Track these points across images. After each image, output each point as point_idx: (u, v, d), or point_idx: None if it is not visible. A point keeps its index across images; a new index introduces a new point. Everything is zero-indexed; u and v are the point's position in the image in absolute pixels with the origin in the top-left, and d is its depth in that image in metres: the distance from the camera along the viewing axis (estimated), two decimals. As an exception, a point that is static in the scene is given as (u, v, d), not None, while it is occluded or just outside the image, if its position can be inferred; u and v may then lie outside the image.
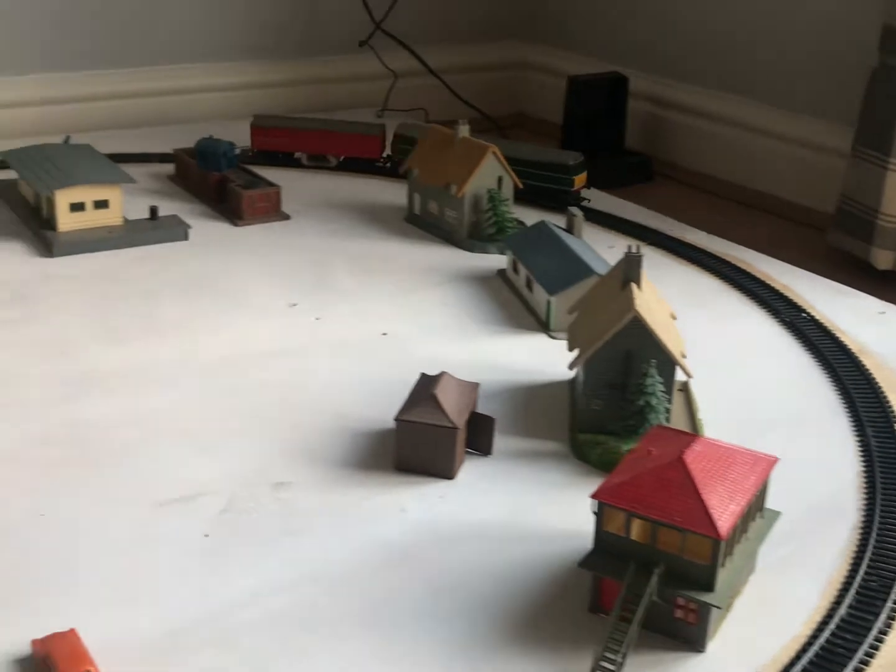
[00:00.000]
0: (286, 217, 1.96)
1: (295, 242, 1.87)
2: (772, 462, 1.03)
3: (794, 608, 1.03)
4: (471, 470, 1.22)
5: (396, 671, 0.94)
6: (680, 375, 1.25)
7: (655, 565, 0.95)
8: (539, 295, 1.57)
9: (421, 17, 2.72)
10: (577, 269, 1.53)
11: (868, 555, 1.09)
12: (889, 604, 1.02)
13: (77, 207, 1.77)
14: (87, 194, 1.78)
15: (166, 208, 1.90)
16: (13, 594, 1.00)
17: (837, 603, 1.02)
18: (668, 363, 1.22)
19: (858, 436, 1.32)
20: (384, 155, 2.23)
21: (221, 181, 1.98)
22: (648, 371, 1.19)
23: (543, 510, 1.16)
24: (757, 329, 1.62)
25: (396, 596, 1.03)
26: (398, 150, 2.20)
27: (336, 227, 1.95)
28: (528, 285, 1.62)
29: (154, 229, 1.83)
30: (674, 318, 1.35)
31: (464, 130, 1.86)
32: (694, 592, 0.94)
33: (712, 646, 0.98)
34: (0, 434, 1.24)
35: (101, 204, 1.79)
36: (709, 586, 0.94)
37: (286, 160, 2.21)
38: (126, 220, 1.82)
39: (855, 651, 0.96)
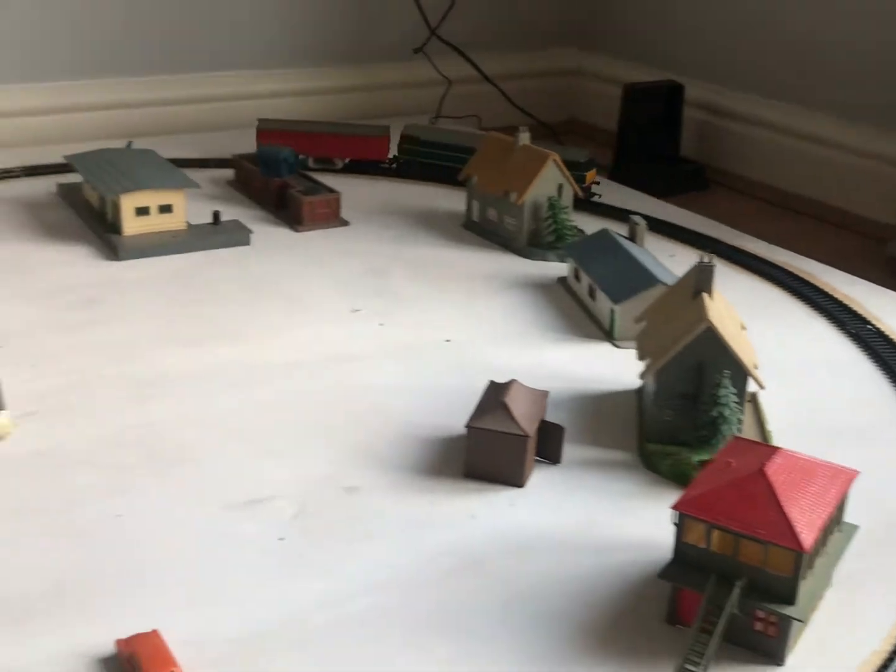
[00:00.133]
0: (345, 223, 1.97)
1: (355, 248, 1.88)
2: (852, 475, 1.02)
3: (872, 623, 1.02)
4: (540, 478, 1.22)
5: (475, 678, 0.95)
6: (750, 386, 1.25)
7: (737, 577, 0.94)
8: (602, 303, 1.57)
9: (474, 24, 2.73)
10: (641, 277, 1.52)
11: (947, 571, 1.08)
12: (970, 621, 1.01)
13: (142, 212, 1.79)
14: (152, 199, 1.80)
15: (227, 213, 1.92)
16: (94, 594, 1.01)
17: (917, 619, 1.01)
18: (740, 374, 1.21)
19: (931, 450, 1.30)
20: (391, 156, 2.25)
21: (282, 187, 2.00)
22: (722, 382, 1.19)
23: (614, 520, 1.16)
24: (822, 340, 1.61)
25: (470, 603, 1.03)
26: (405, 150, 2.22)
27: (394, 234, 1.96)
28: (591, 293, 1.62)
29: (217, 234, 1.84)
30: (743, 328, 1.34)
31: (524, 138, 1.87)
32: (775, 605, 0.94)
33: (791, 659, 0.97)
34: (76, 435, 1.26)
35: (166, 208, 1.81)
36: (790, 599, 0.94)
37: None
38: (189, 225, 1.84)
39: (938, 668, 0.95)
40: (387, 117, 2.52)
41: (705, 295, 1.25)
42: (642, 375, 1.26)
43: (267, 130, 2.21)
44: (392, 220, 2.02)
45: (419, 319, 1.61)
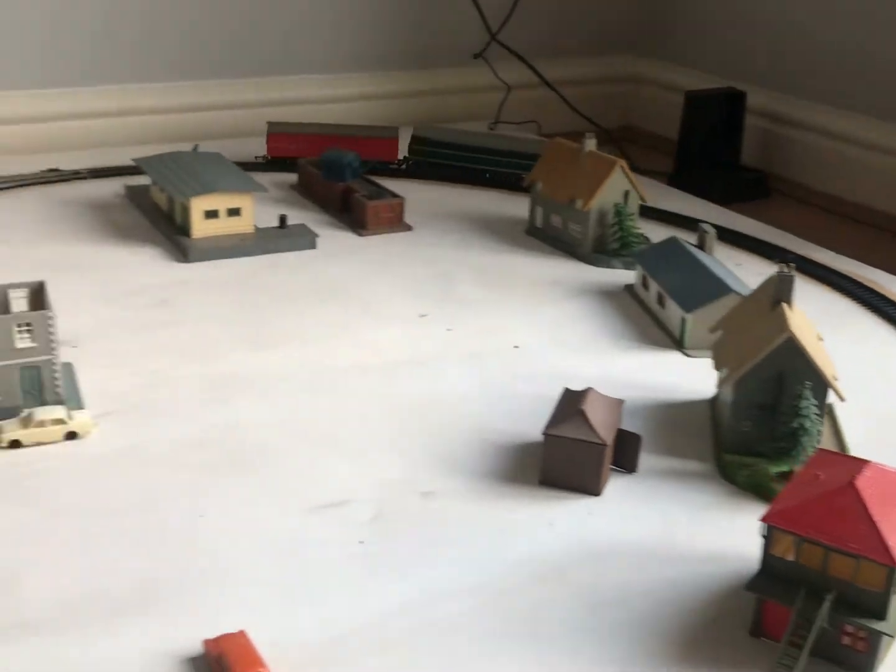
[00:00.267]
0: (408, 228, 1.98)
1: (419, 253, 1.89)
2: (941, 490, 1.01)
3: (959, 641, 1.01)
4: (616, 487, 1.22)
5: (560, 686, 0.95)
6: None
7: (826, 591, 0.93)
8: (672, 312, 1.57)
9: (533, 30, 2.73)
10: (713, 286, 1.52)
11: None
12: None
13: (211, 215, 1.81)
14: (221, 202, 1.82)
15: (291, 217, 1.93)
16: (180, 593, 1.02)
17: None
18: (821, 385, 1.20)
19: None
20: (400, 157, 2.26)
21: (346, 191, 2.01)
22: (804, 393, 1.18)
23: (692, 530, 1.15)
24: (893, 350, 1.59)
25: (552, 611, 1.03)
26: (415, 151, 2.24)
27: (457, 239, 1.96)
28: (660, 301, 1.61)
29: (283, 237, 1.86)
30: (820, 339, 1.33)
31: (590, 144, 1.86)
32: (865, 620, 0.93)
33: (879, 675, 0.96)
34: (157, 435, 1.28)
35: (234, 212, 1.83)
36: (880, 614, 0.93)
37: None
38: (256, 228, 1.86)
39: None
40: (446, 122, 2.53)
41: (785, 305, 1.24)
42: (720, 385, 1.25)
43: (276, 134, 2.22)
44: (454, 225, 2.02)
45: (486, 325, 1.61)
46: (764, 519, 0.96)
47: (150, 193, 1.99)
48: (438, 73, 2.68)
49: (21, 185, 2.08)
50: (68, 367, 1.37)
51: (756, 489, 1.20)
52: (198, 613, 1.00)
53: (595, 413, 1.20)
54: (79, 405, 1.30)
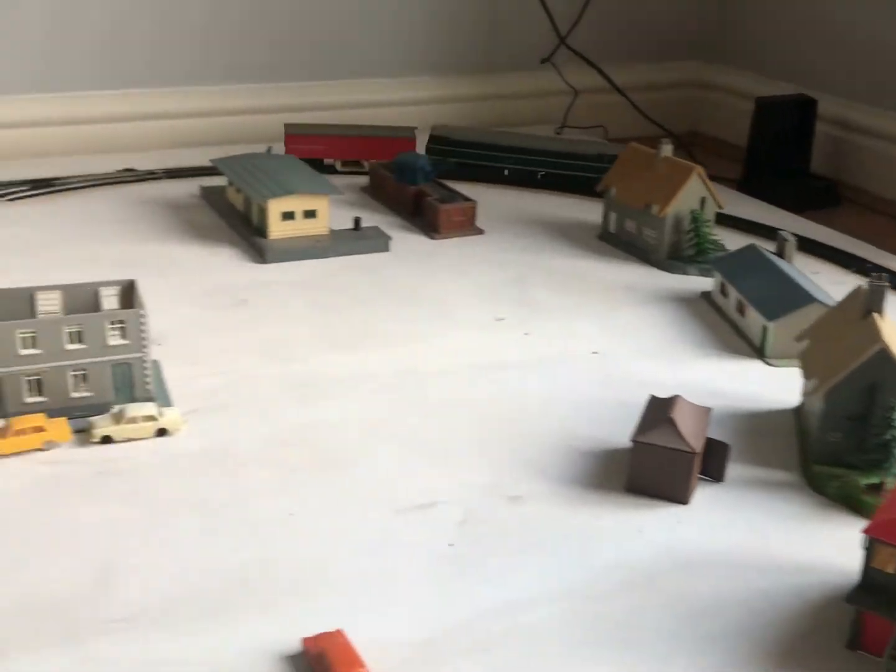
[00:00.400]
0: (480, 231, 1.99)
1: (491, 257, 1.89)
2: None
3: None
4: (704, 496, 1.21)
5: (656, 695, 0.94)
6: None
7: (930, 606, 0.92)
8: (753, 320, 1.55)
9: (600, 35, 2.72)
10: (796, 295, 1.50)
11: None
12: None
13: (288, 216, 1.83)
14: (297, 204, 1.83)
15: (363, 220, 1.94)
16: (275, 592, 1.03)
17: None
18: (914, 397, 1.19)
19: None
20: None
21: (418, 195, 2.02)
22: (896, 404, 1.17)
23: (783, 540, 1.15)
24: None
25: (644, 618, 1.03)
26: (433, 151, 2.25)
27: (529, 243, 1.96)
28: (740, 309, 1.60)
29: (358, 240, 1.87)
30: (910, 350, 1.32)
31: (666, 150, 1.86)
32: (970, 637, 0.91)
33: (982, 693, 0.95)
34: (244, 434, 1.29)
35: (310, 214, 1.85)
36: (985, 631, 0.92)
37: (319, 166, 2.17)
38: (331, 230, 1.87)
39: None
40: (512, 126, 2.53)
41: (876, 315, 1.22)
42: (807, 395, 1.24)
43: (294, 135, 2.23)
44: (525, 230, 2.03)
45: (563, 330, 1.61)
46: (865, 531, 0.95)
47: (226, 194, 2.02)
48: (507, 78, 2.68)
49: (98, 185, 2.12)
50: (155, 365, 1.39)
51: (846, 500, 1.18)
52: (293, 612, 1.01)
53: (684, 421, 1.19)
54: (167, 402, 1.32)
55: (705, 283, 1.76)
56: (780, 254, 1.67)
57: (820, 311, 1.43)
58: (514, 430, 1.34)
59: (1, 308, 1.29)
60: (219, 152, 2.16)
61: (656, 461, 1.18)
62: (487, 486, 1.22)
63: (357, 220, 1.90)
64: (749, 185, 2.41)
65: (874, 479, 1.19)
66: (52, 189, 2.07)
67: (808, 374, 1.27)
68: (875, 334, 1.19)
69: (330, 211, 1.89)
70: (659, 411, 1.22)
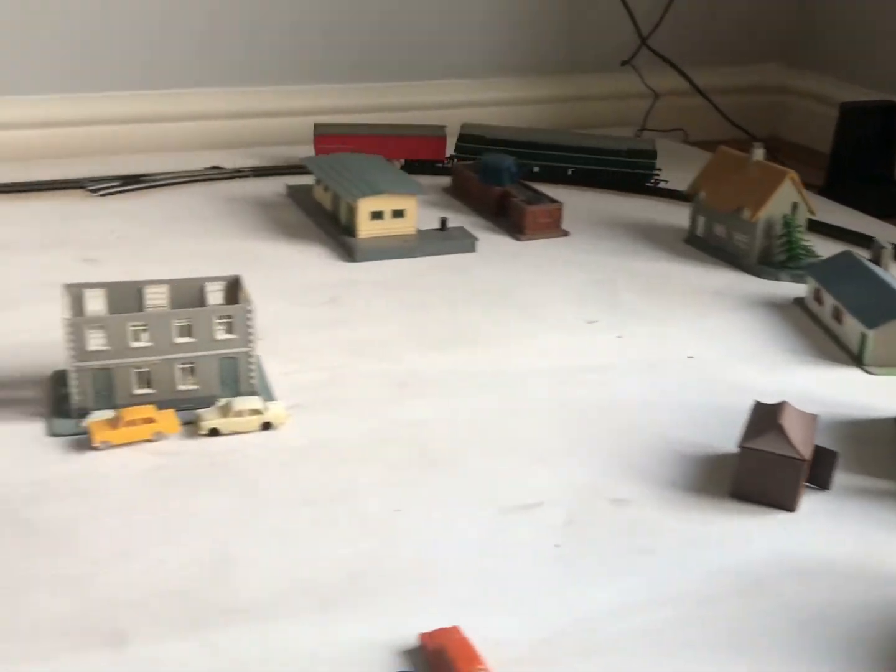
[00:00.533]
0: (565, 233, 1.98)
1: (578, 259, 1.89)
2: None
3: None
4: (811, 503, 1.20)
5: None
6: None
7: None
8: (851, 327, 1.53)
9: (680, 38, 2.71)
10: (895, 303, 1.48)
11: None
12: None
13: (377, 216, 1.85)
14: (386, 203, 1.85)
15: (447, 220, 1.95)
16: (387, 586, 1.04)
17: None
18: None
19: None
20: (448, 156, 2.27)
21: (503, 196, 2.02)
22: None
23: (892, 550, 1.13)
24: None
25: (755, 623, 1.02)
26: (463, 149, 2.26)
27: (614, 246, 1.96)
28: (836, 316, 1.58)
29: (444, 240, 1.88)
30: None
31: (759, 154, 1.84)
32: None
33: None
34: (346, 430, 1.31)
35: (398, 213, 1.86)
36: None
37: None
38: (418, 230, 1.88)
39: None
40: (591, 128, 2.52)
41: None
42: (919, 404, 1.23)
43: (324, 135, 2.23)
44: (610, 232, 2.02)
45: (656, 333, 1.61)
46: None
47: (313, 192, 2.04)
48: (585, 79, 2.68)
49: (186, 182, 2.15)
50: (257, 360, 1.41)
51: (957, 512, 1.17)
52: (405, 607, 1.02)
53: (792, 427, 1.18)
54: (269, 397, 1.34)
55: (797, 290, 1.74)
56: (877, 261, 1.65)
57: (922, 320, 1.41)
58: (612, 432, 1.34)
59: (111, 301, 1.32)
60: (305, 151, 2.19)
61: (764, 468, 1.17)
62: (590, 488, 1.22)
63: (444, 221, 1.91)
64: (832, 191, 2.37)
65: None
66: (141, 185, 2.10)
67: (917, 383, 1.26)
68: None
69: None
70: (766, 417, 1.21)
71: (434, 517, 1.15)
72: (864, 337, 1.50)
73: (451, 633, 0.96)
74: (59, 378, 1.33)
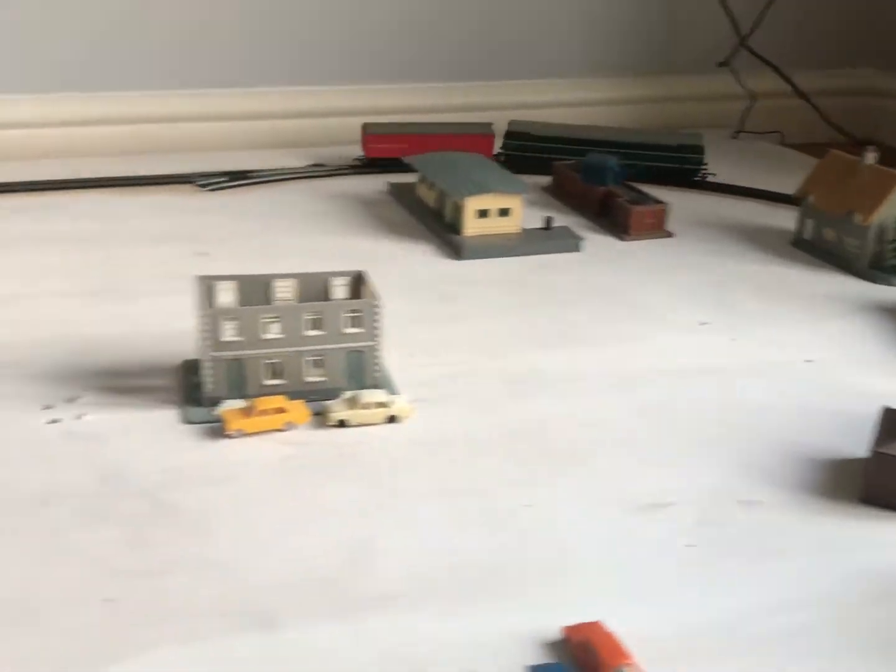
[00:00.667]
0: (669, 234, 1.98)
1: (684, 260, 1.88)
2: None
3: None
4: (943, 510, 1.19)
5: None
6: None
7: None
8: (974, 333, 1.51)
9: (778, 38, 2.68)
10: None
11: None
12: None
13: (483, 214, 1.86)
14: (493, 202, 1.86)
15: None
16: (525, 580, 1.05)
17: None
18: None
19: None
20: (495, 153, 2.26)
21: (607, 196, 2.02)
22: None
23: None
24: None
25: (893, 632, 1.01)
26: (510, 146, 2.27)
27: (719, 248, 1.95)
28: (957, 322, 1.56)
29: (549, 239, 1.89)
30: None
31: (871, 157, 1.82)
32: None
33: None
34: (471, 424, 1.32)
35: (504, 212, 1.87)
36: None
37: (398, 165, 2.17)
38: (523, 229, 1.89)
39: None
40: (687, 129, 2.51)
41: None
42: None
43: (374, 135, 2.24)
44: (714, 234, 2.01)
45: (770, 336, 1.60)
46: None
47: (416, 190, 2.06)
48: (681, 80, 2.66)
49: (289, 178, 2.19)
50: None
51: None
52: (545, 600, 1.02)
53: (927, 433, 1.17)
54: (393, 391, 1.36)
55: (911, 294, 1.73)
56: None
57: None
58: (735, 433, 1.33)
59: (241, 294, 1.35)
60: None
61: (898, 473, 1.16)
62: (718, 490, 1.22)
63: (549, 220, 1.92)
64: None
65: None
66: (247, 181, 2.14)
67: None
68: None
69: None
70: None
71: (565, 513, 1.16)
72: None
73: (595, 628, 0.96)
74: (190, 367, 1.37)
